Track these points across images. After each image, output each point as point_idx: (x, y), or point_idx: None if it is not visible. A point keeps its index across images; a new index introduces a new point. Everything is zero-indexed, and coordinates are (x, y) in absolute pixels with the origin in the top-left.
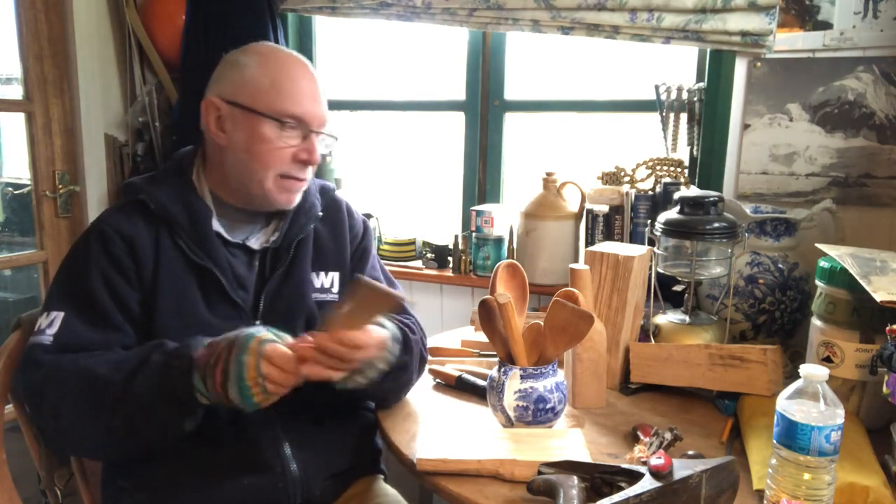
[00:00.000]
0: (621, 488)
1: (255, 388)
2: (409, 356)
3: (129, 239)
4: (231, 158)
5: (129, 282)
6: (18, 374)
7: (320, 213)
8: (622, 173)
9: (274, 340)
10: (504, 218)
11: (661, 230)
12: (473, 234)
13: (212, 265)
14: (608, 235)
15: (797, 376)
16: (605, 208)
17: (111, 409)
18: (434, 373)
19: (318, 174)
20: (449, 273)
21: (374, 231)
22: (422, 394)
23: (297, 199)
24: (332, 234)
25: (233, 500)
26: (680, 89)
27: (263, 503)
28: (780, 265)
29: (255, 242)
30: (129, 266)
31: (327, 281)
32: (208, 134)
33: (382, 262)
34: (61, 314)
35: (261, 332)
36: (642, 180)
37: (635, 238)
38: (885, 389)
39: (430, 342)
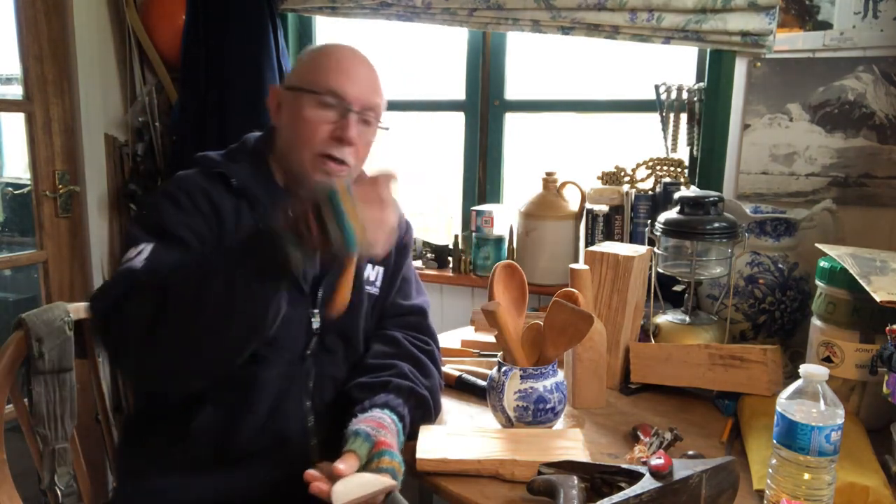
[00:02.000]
0: (621, 488)
1: (356, 222)
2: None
3: (216, 205)
4: (282, 140)
5: (212, 232)
6: (99, 293)
7: None
8: (622, 173)
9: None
10: (504, 218)
11: (661, 230)
12: (473, 234)
13: None
14: (608, 235)
15: (797, 376)
16: (605, 208)
17: (185, 308)
18: None
19: None
20: (449, 273)
21: None
22: None
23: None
24: None
25: (252, 492)
26: (680, 89)
27: (282, 498)
28: (780, 265)
29: None
30: (213, 226)
31: (373, 274)
32: (273, 120)
33: None
34: (150, 245)
35: (333, 185)
36: (642, 180)
37: (635, 238)
38: (885, 389)
39: None
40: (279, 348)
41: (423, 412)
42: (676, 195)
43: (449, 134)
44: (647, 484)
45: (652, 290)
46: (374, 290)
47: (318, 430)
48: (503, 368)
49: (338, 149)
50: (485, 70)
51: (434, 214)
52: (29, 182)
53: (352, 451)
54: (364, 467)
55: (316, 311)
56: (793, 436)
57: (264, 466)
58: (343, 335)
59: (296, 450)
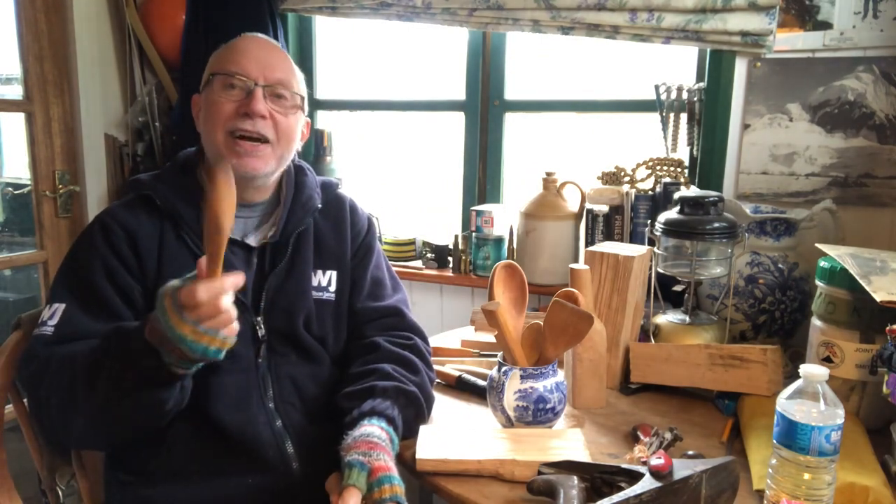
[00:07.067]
0: (621, 488)
1: (203, 339)
2: (423, 417)
3: (132, 232)
4: (203, 138)
5: (131, 273)
6: (20, 365)
7: (319, 206)
8: (622, 173)
9: (179, 287)
10: (504, 218)
11: (661, 230)
12: (473, 234)
13: None
14: (608, 235)
15: (797, 376)
16: (605, 208)
17: (91, 396)
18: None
19: (318, 173)
20: (449, 273)
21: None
22: None
23: (261, 167)
24: (334, 230)
25: (236, 498)
26: (680, 89)
27: (267, 502)
28: (780, 265)
29: (253, 239)
30: (130, 258)
31: (325, 279)
32: (198, 128)
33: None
34: (62, 305)
35: (168, 285)
36: (642, 180)
37: (635, 238)
38: (885, 389)
39: (430, 342)
40: (230, 359)
41: (415, 409)
42: (676, 195)
43: (449, 134)
44: (647, 484)
45: (652, 290)
46: (329, 296)
47: (289, 431)
48: (503, 368)
49: (249, 122)
50: (485, 70)
51: (434, 214)
52: (29, 182)
53: (351, 486)
54: (367, 496)
55: (259, 318)
56: (793, 436)
57: (243, 472)
58: (287, 340)
59: (271, 453)
